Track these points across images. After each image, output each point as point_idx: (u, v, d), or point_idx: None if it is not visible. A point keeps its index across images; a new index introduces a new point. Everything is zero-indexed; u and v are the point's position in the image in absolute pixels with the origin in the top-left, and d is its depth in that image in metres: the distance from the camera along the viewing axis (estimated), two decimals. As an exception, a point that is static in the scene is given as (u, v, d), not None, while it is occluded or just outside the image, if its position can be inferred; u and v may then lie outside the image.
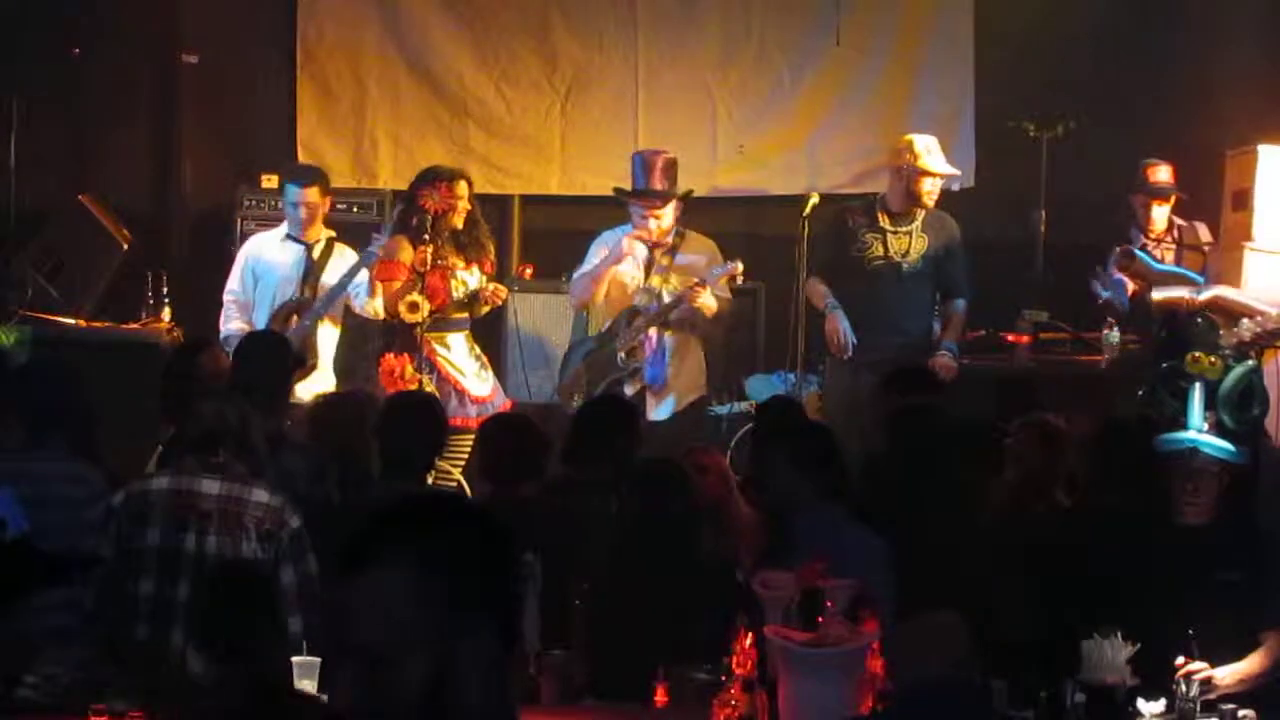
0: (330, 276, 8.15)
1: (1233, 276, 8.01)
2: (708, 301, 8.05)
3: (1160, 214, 8.79)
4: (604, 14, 10.13)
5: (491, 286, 8.22)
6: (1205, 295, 7.72)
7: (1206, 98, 9.37)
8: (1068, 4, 9.77)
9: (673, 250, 8.27)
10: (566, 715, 4.93)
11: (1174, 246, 8.73)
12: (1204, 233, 8.69)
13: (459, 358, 8.11)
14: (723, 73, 10.08)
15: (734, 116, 10.05)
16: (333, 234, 8.37)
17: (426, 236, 7.95)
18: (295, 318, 8.02)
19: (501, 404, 8.20)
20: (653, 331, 8.15)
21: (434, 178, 8.17)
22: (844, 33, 9.76)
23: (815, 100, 10.06)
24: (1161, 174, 8.78)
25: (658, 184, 8.21)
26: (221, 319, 8.27)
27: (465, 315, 8.20)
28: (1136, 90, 9.63)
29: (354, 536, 2.33)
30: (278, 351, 6.93)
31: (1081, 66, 9.67)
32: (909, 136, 8.30)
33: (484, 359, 8.31)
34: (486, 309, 8.31)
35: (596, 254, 8.35)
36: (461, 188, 8.11)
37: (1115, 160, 9.33)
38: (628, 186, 8.54)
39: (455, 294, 8.07)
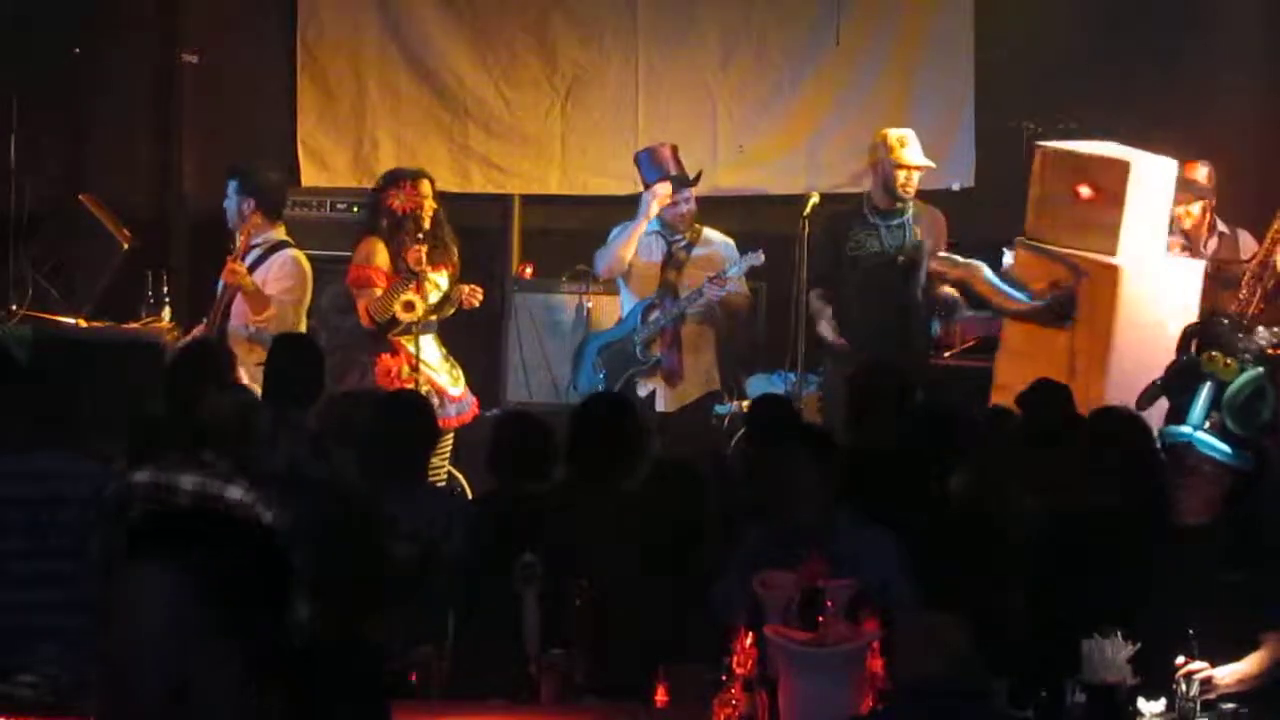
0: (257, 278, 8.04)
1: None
2: (729, 293, 8.15)
3: (1193, 213, 8.67)
4: (604, 14, 10.14)
5: (467, 289, 8.18)
6: (961, 268, 7.80)
7: (1208, 98, 9.37)
8: (1067, 4, 9.77)
9: (689, 245, 8.37)
10: (566, 715, 4.93)
11: (1208, 249, 8.65)
12: (1247, 241, 8.60)
13: (431, 358, 8.09)
14: (723, 73, 10.08)
15: (734, 116, 10.06)
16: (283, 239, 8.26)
17: (421, 236, 7.94)
18: (204, 323, 7.96)
19: (471, 402, 8.19)
20: (669, 326, 8.29)
21: (399, 178, 8.15)
22: (844, 33, 9.76)
23: (815, 100, 10.07)
24: (1191, 173, 8.67)
25: (674, 170, 8.37)
26: None
27: (434, 317, 8.16)
28: (1137, 90, 9.62)
29: (132, 537, 2.34)
30: (309, 351, 6.94)
31: (1081, 67, 9.67)
32: (883, 131, 8.35)
33: (453, 360, 8.27)
34: (452, 310, 8.25)
35: (617, 238, 8.50)
36: (426, 187, 8.08)
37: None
38: (629, 186, 8.56)
39: (430, 296, 8.05)
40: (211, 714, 2.26)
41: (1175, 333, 7.34)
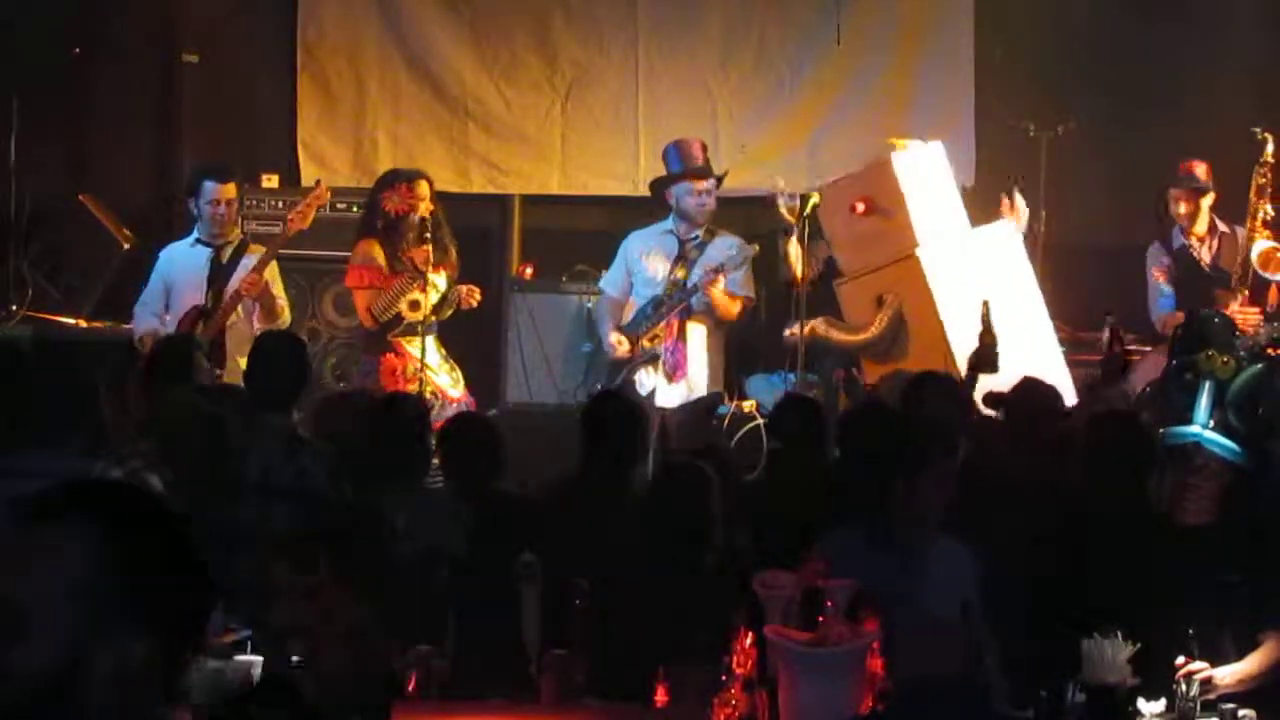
0: (239, 278, 8.00)
1: None
2: (721, 297, 8.16)
3: (1191, 210, 8.69)
4: (604, 14, 10.14)
5: (465, 289, 8.18)
6: (809, 326, 7.96)
7: (1208, 97, 9.37)
8: (1067, 4, 9.77)
9: (702, 245, 8.39)
10: (566, 715, 4.93)
11: (1210, 250, 8.68)
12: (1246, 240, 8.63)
13: (431, 360, 8.09)
14: (723, 73, 10.08)
15: (734, 116, 10.06)
16: (243, 235, 8.25)
17: (427, 235, 7.95)
18: (200, 324, 7.90)
19: (470, 405, 8.18)
20: (675, 319, 8.30)
21: (394, 180, 8.17)
22: (844, 33, 9.76)
23: (815, 100, 10.07)
24: (1190, 169, 8.68)
25: (700, 161, 8.38)
26: (134, 324, 8.16)
27: (433, 319, 8.15)
28: (1136, 90, 9.63)
29: (50, 491, 2.21)
30: (293, 352, 6.90)
31: (1081, 66, 9.67)
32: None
33: (452, 361, 8.26)
34: (450, 311, 8.24)
35: (623, 259, 8.58)
36: (422, 188, 8.09)
37: (1115, 160, 9.33)
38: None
39: (430, 297, 8.04)
40: (105, 701, 2.12)
41: (1009, 290, 7.54)
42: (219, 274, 8.05)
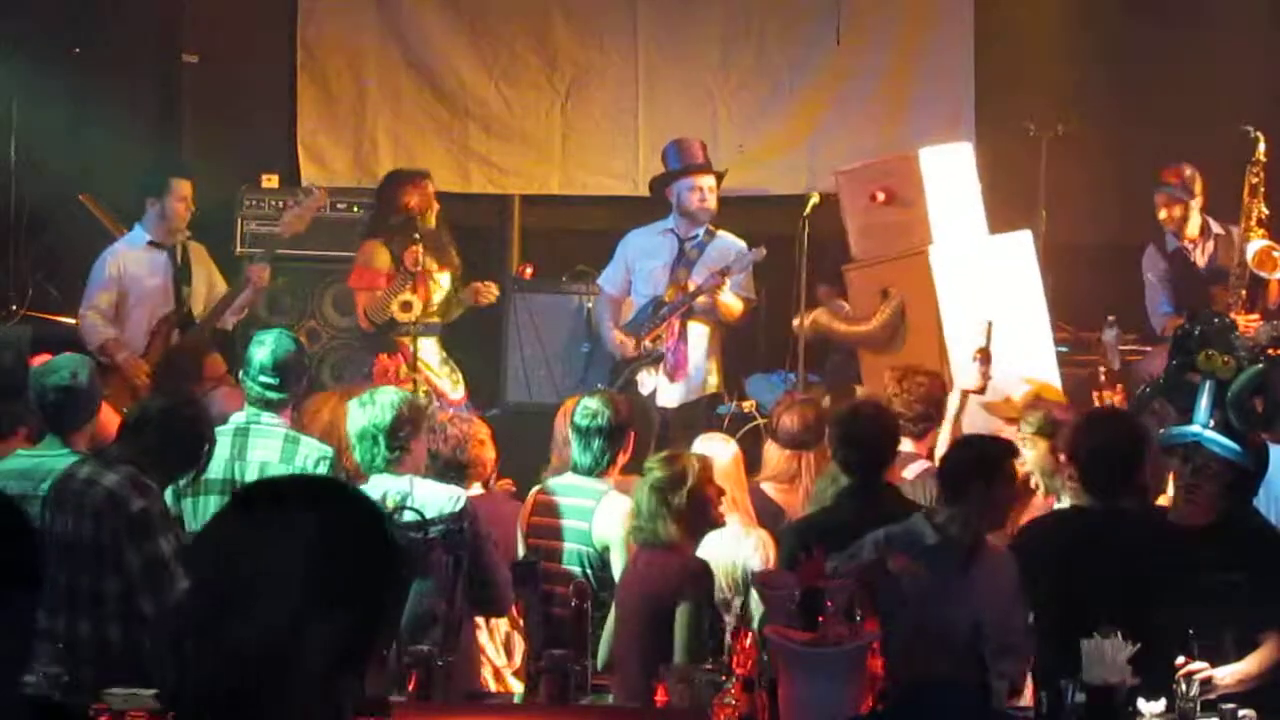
0: (199, 279, 8.03)
1: None
2: (726, 299, 8.16)
3: (1175, 215, 8.70)
4: (604, 14, 10.14)
5: (480, 284, 8.23)
6: (811, 316, 7.96)
7: (1207, 98, 9.37)
8: (1068, 3, 9.77)
9: (702, 245, 8.39)
10: (566, 715, 4.93)
11: (1205, 252, 8.69)
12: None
13: (431, 361, 8.09)
14: (723, 73, 10.08)
15: (734, 116, 10.06)
16: (188, 234, 8.20)
17: (417, 235, 7.95)
18: (176, 332, 7.90)
19: (470, 412, 8.17)
20: (676, 320, 8.30)
21: (405, 179, 8.19)
22: (844, 33, 9.77)
23: (815, 100, 10.07)
24: (1172, 174, 8.70)
25: (700, 159, 8.36)
26: (86, 333, 7.94)
27: (438, 320, 8.15)
28: (1136, 90, 9.63)
29: (276, 485, 2.42)
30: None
31: (1082, 66, 9.67)
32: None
33: (453, 363, 8.26)
34: (460, 312, 8.25)
35: (622, 257, 8.58)
36: (430, 187, 8.13)
37: (1115, 160, 9.33)
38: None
39: (434, 297, 8.05)
40: (315, 668, 2.24)
41: (1016, 302, 7.53)
42: (183, 278, 8.04)
